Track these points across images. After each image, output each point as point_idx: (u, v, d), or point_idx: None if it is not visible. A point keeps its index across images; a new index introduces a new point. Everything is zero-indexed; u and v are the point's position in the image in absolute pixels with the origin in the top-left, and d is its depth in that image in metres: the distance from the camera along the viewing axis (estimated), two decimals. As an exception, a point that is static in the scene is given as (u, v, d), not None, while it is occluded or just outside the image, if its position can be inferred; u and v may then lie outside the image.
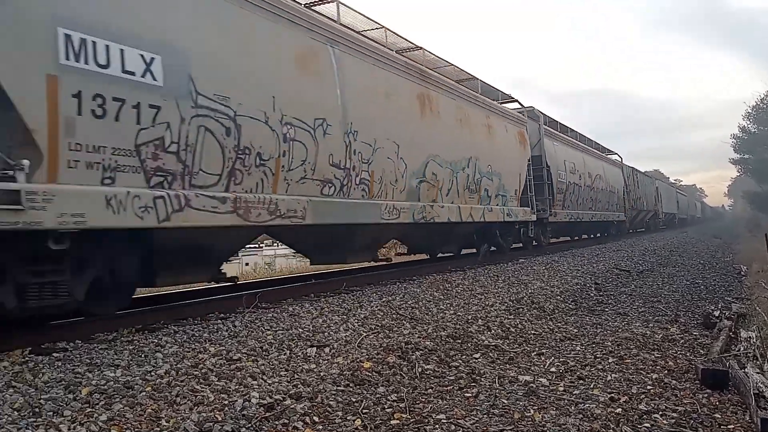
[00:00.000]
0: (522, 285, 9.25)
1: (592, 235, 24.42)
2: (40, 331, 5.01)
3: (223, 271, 7.06)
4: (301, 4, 7.93)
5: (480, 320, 6.31)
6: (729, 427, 3.45)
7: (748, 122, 49.34)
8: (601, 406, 3.74)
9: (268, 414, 3.39)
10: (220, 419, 3.26)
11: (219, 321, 5.86)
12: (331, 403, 3.68)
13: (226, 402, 3.52)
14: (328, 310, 6.43)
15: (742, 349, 5.06)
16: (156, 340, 4.91)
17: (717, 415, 3.63)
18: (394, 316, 6.37)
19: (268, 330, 5.44)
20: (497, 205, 13.02)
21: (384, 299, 7.28)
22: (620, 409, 3.68)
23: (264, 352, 4.69)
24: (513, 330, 6.09)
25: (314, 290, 8.01)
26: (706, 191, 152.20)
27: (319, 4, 8.47)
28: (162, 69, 5.36)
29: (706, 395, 4.00)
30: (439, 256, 13.23)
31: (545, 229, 16.81)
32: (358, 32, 9.30)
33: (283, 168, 6.86)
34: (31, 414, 3.18)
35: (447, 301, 7.46)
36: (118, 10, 5.10)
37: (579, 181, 19.55)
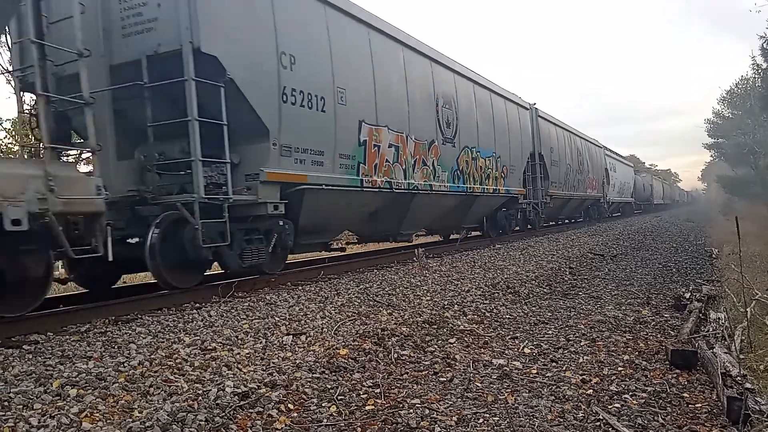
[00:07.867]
0: (498, 270, 9.32)
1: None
2: (11, 324, 4.92)
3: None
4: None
5: (456, 306, 6.36)
6: (697, 405, 3.54)
7: (723, 107, 50.03)
8: (573, 387, 3.81)
9: (242, 402, 3.39)
10: (193, 409, 3.25)
11: (194, 311, 5.81)
12: (306, 390, 3.69)
13: (200, 391, 3.50)
14: (305, 299, 6.42)
15: (711, 329, 5.17)
16: (129, 331, 4.86)
17: (685, 395, 3.72)
18: (371, 303, 6.38)
19: (244, 319, 5.41)
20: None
21: (361, 286, 7.28)
22: (591, 390, 3.75)
23: (239, 341, 4.67)
24: (488, 315, 6.15)
25: (291, 279, 7.98)
26: (681, 176, 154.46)
27: None
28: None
29: (675, 375, 4.09)
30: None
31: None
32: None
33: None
34: None
35: (424, 287, 7.49)
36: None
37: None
